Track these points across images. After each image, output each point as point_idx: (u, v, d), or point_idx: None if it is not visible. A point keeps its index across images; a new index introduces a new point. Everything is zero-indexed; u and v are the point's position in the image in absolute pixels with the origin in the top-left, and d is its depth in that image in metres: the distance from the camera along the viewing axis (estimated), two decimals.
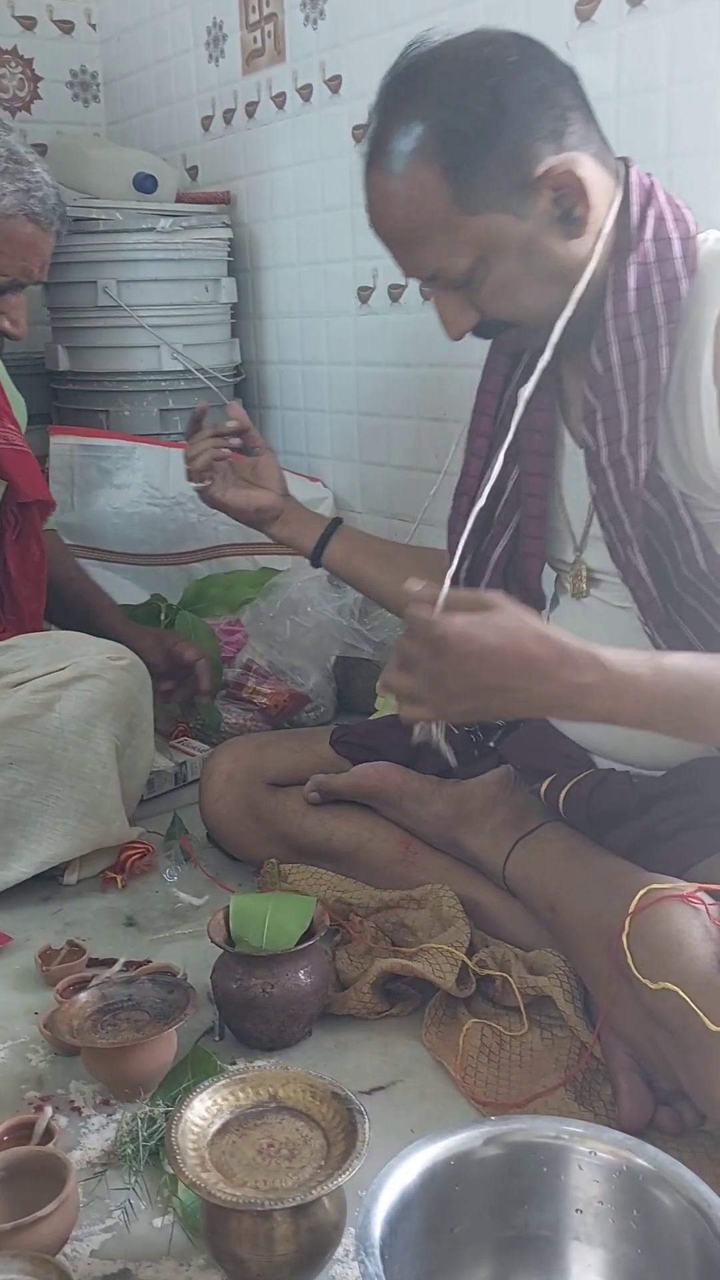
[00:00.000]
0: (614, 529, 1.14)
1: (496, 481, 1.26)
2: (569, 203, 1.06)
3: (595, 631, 1.14)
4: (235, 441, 1.49)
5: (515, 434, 1.15)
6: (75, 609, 1.83)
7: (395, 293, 2.13)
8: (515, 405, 1.12)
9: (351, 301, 2.24)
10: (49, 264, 1.57)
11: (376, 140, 1.10)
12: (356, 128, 2.15)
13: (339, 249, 2.26)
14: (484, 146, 1.03)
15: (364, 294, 2.21)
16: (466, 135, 1.03)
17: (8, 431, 1.68)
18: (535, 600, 1.30)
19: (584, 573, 1.26)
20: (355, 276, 2.22)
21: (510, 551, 1.31)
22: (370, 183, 1.11)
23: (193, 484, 1.50)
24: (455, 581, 1.03)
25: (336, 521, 1.53)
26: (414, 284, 2.08)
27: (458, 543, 1.20)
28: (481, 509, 1.19)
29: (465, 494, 1.34)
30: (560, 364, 1.23)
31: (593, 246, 1.09)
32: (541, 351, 1.10)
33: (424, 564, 1.47)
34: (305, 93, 2.28)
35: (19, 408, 1.79)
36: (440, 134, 1.04)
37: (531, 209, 1.06)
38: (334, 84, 2.20)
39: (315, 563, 1.52)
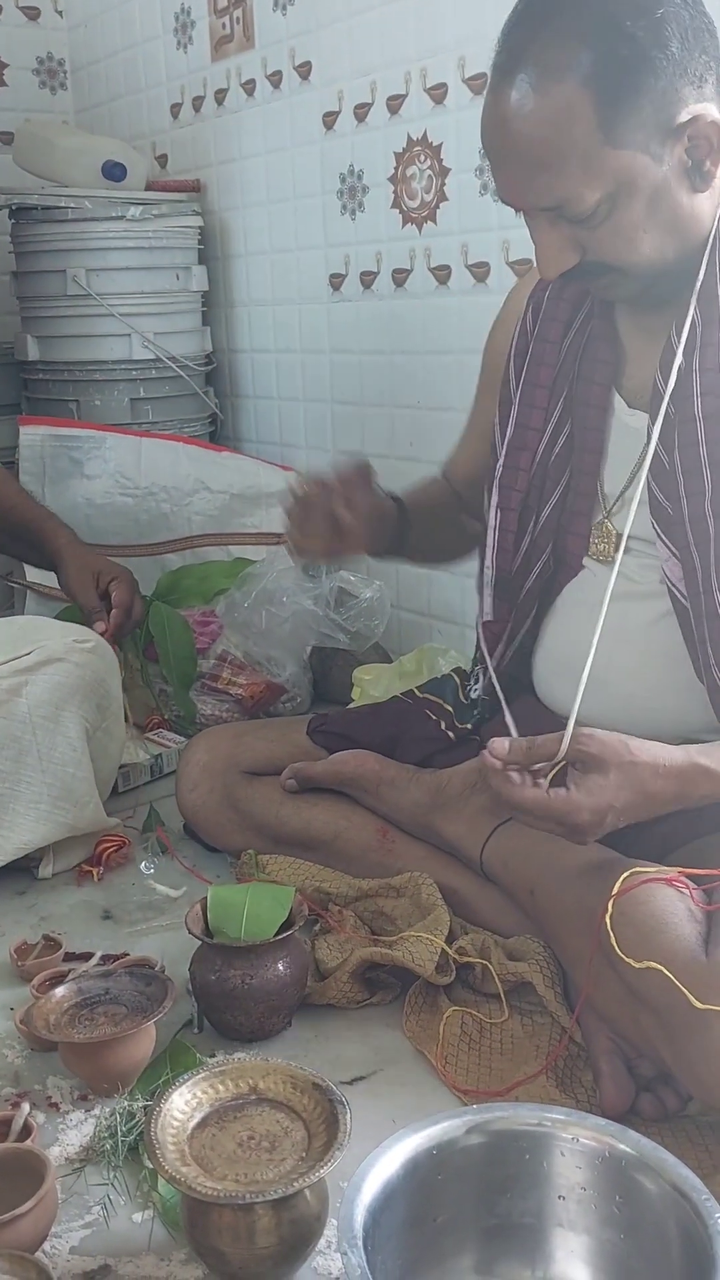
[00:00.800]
0: (670, 508, 1.13)
1: (552, 434, 1.25)
2: (700, 154, 1.03)
3: (619, 606, 1.12)
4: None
5: (575, 385, 1.14)
6: (23, 535, 1.80)
7: (367, 279, 2.12)
8: (579, 354, 1.11)
9: (324, 289, 2.23)
10: None
11: (520, 52, 1.01)
12: (327, 114, 2.14)
13: (311, 236, 2.24)
14: (641, 79, 0.98)
15: (336, 281, 2.20)
16: (628, 64, 0.98)
17: None
18: (573, 564, 1.28)
19: (613, 536, 1.23)
20: (328, 264, 2.21)
21: (559, 509, 1.28)
22: (502, 96, 1.02)
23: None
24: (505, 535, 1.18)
25: (397, 503, 1.42)
26: (386, 271, 2.07)
27: (515, 502, 1.19)
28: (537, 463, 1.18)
29: (525, 449, 1.28)
30: (615, 315, 1.21)
31: (715, 207, 1.06)
32: (614, 300, 1.10)
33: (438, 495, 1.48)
34: (275, 79, 2.26)
35: None
36: (603, 58, 0.97)
37: (668, 154, 1.02)
38: (304, 70, 2.18)
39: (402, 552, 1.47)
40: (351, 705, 1.90)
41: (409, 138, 1.98)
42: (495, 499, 1.31)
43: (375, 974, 1.24)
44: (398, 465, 2.13)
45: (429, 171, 1.95)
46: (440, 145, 1.92)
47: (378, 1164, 0.84)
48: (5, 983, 1.29)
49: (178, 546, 2.33)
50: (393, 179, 2.03)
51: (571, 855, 1.16)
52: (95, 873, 1.52)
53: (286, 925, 1.19)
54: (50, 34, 2.89)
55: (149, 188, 2.48)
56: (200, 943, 1.18)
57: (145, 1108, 1.04)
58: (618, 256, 1.07)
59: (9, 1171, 0.93)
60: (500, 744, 1.05)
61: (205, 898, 1.22)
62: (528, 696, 1.36)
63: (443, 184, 1.93)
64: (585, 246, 1.07)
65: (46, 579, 2.24)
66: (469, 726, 1.43)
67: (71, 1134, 1.05)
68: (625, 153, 1.01)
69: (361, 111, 2.06)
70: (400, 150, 2.00)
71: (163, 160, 2.66)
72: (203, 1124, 0.91)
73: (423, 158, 1.96)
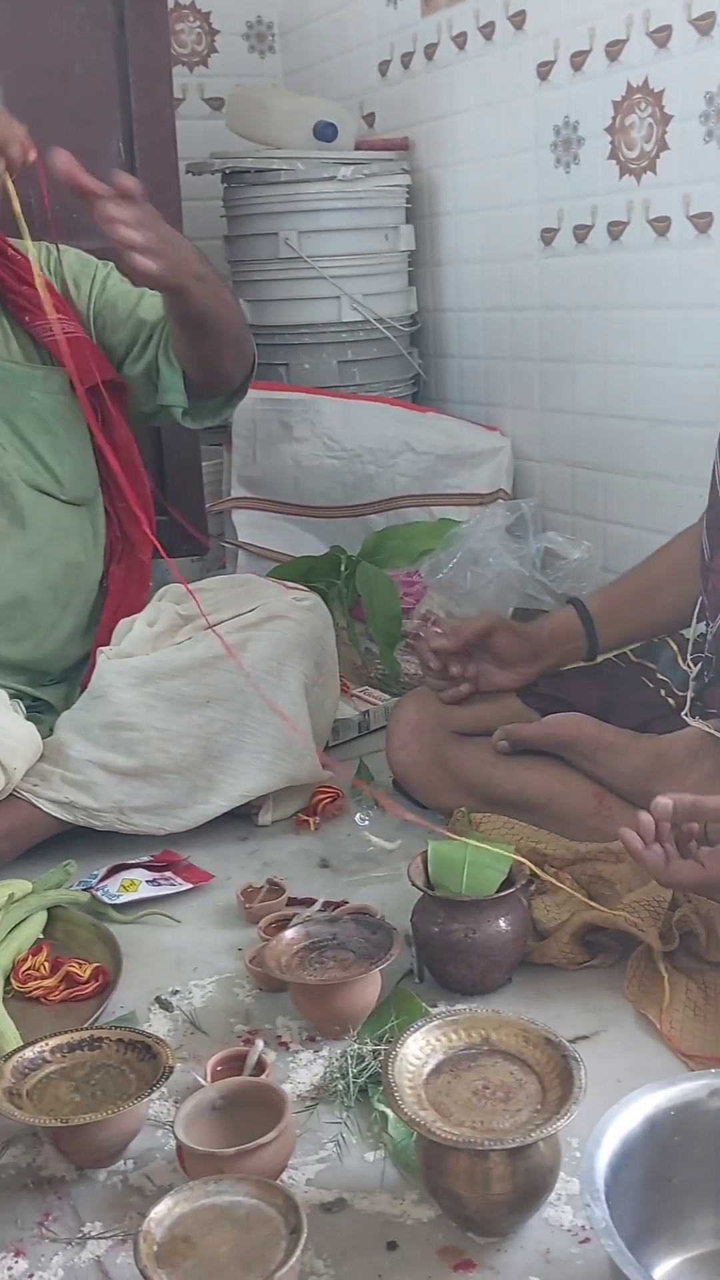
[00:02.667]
0: None
1: None
2: None
3: None
4: (471, 672, 1.50)
5: None
6: None
7: (581, 233, 2.08)
8: None
9: (535, 244, 2.20)
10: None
11: None
12: (542, 64, 2.10)
13: (522, 192, 2.21)
14: None
15: (548, 236, 2.16)
16: None
17: (54, 323, 1.58)
18: None
19: None
20: (540, 219, 2.17)
21: None
22: None
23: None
24: None
25: (578, 605, 1.52)
26: (601, 225, 2.02)
27: None
28: None
29: None
30: None
31: None
32: None
33: (674, 561, 1.46)
34: (487, 31, 2.23)
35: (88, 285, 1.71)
36: None
37: None
38: (518, 20, 2.14)
39: (594, 656, 1.53)
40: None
41: (628, 85, 1.92)
42: None
43: (596, 937, 1.23)
44: (610, 424, 2.10)
45: (649, 120, 1.89)
46: (662, 92, 1.85)
47: (617, 1120, 0.84)
48: (232, 924, 1.35)
49: (382, 508, 2.36)
50: (610, 129, 1.98)
51: None
52: (312, 822, 1.56)
53: (507, 883, 1.19)
54: None
55: (357, 147, 2.48)
56: (422, 894, 1.20)
57: (374, 1051, 1.06)
58: None
59: (249, 1104, 0.97)
60: (664, 804, 1.05)
61: (425, 851, 1.23)
62: None
63: (664, 132, 1.86)
64: None
65: (258, 538, 2.30)
66: (689, 694, 1.40)
67: (302, 1073, 1.09)
68: None
69: (578, 60, 2.01)
70: (619, 99, 1.94)
71: (370, 119, 2.66)
72: (436, 1070, 0.93)
73: (643, 105, 1.90)
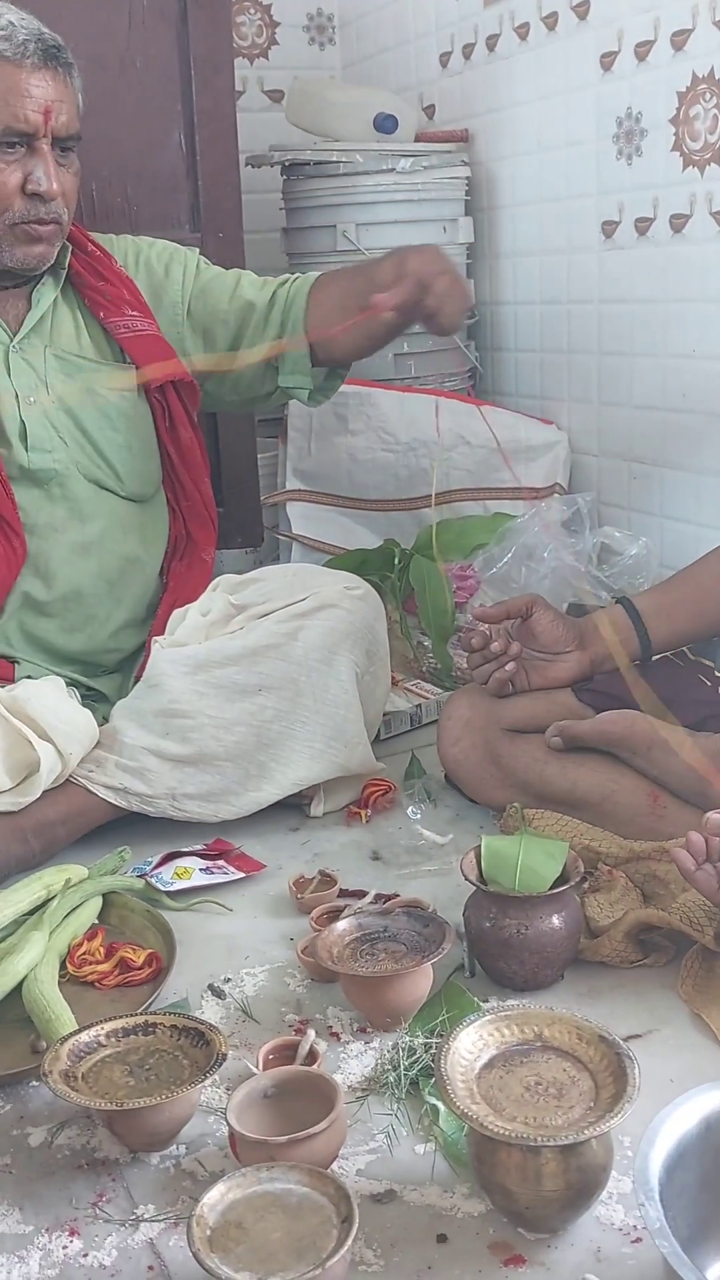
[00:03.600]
0: None
1: None
2: None
3: None
4: (515, 649, 1.49)
5: None
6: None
7: (642, 226, 2.06)
8: None
9: (595, 237, 2.18)
10: (64, 111, 1.49)
11: None
12: (605, 55, 2.08)
13: (582, 184, 2.19)
14: None
15: (609, 229, 2.14)
16: None
17: (130, 319, 1.66)
18: None
19: None
20: (600, 212, 2.16)
21: None
22: None
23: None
24: None
25: (626, 604, 1.52)
26: (664, 217, 2.00)
27: None
28: None
29: None
30: None
31: None
32: None
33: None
34: (550, 21, 2.21)
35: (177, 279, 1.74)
36: None
37: None
38: (581, 10, 2.12)
39: (648, 655, 1.51)
40: None
41: (694, 75, 1.90)
42: None
43: (649, 936, 1.23)
44: (668, 418, 2.08)
45: (715, 110, 1.87)
46: None
47: (671, 1119, 0.83)
48: (284, 914, 1.35)
49: (436, 501, 2.35)
50: (674, 120, 1.95)
51: None
52: (363, 814, 1.56)
53: (561, 880, 1.19)
54: None
55: (416, 140, 2.48)
56: (475, 889, 1.20)
57: (425, 1044, 1.06)
58: None
59: (301, 1093, 0.97)
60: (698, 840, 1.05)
61: (478, 846, 1.23)
62: None
63: None
64: None
65: (312, 531, 2.30)
66: None
67: (353, 1063, 1.09)
68: None
69: (643, 50, 1.99)
70: (684, 89, 1.92)
71: (430, 111, 2.65)
72: (489, 1065, 0.93)
73: (708, 96, 1.87)
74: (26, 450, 1.58)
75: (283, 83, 2.77)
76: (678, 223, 1.98)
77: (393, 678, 1.86)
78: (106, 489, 1.65)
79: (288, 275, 1.78)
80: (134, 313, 1.67)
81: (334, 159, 2.31)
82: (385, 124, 2.37)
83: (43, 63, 1.48)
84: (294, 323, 1.69)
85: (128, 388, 1.64)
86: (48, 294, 1.62)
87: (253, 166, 2.40)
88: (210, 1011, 1.18)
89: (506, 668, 1.49)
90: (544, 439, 2.34)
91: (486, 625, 1.51)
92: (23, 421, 1.58)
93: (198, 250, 1.79)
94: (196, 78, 2.09)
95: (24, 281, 1.61)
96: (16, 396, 1.58)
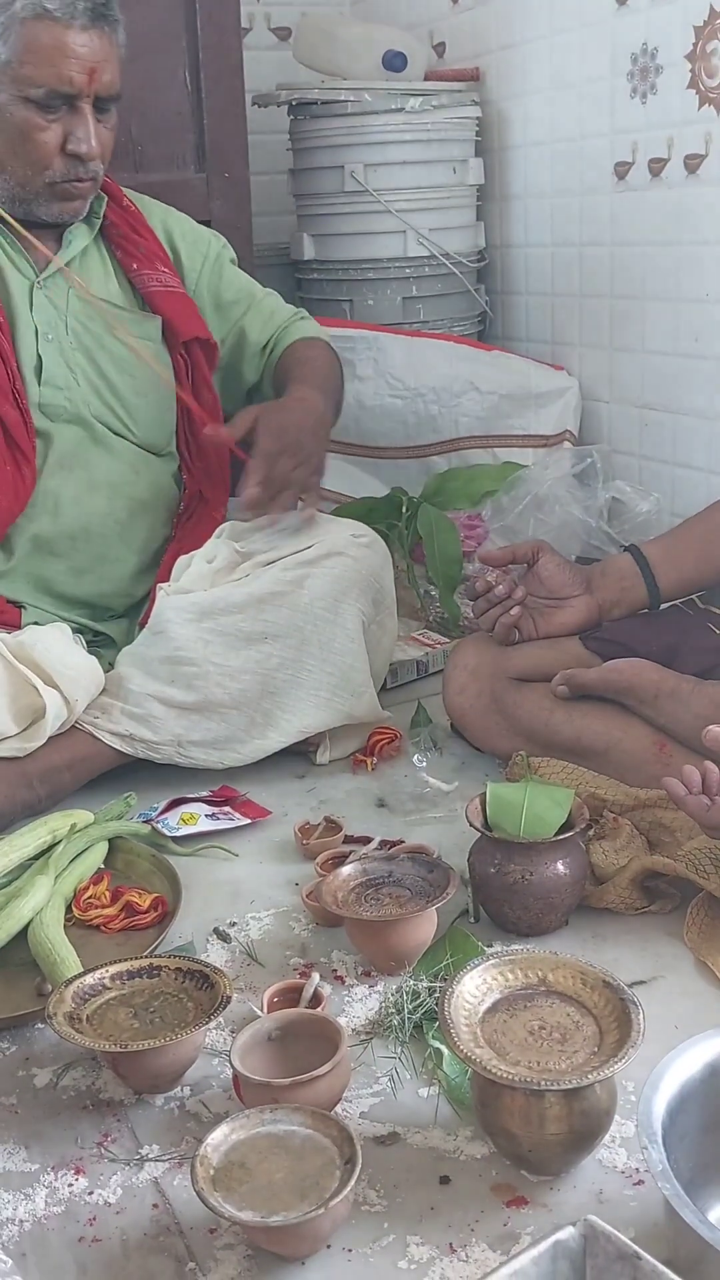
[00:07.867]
0: None
1: None
2: None
3: None
4: (520, 594, 1.48)
5: None
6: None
7: (656, 167, 2.01)
8: None
9: (608, 178, 2.13)
10: (108, 70, 1.47)
11: None
12: None
13: (595, 124, 2.14)
14: None
15: (622, 170, 2.10)
16: None
17: (161, 275, 1.68)
18: None
19: None
20: (613, 152, 2.11)
21: None
22: None
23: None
24: None
25: (634, 551, 1.50)
26: (678, 157, 1.96)
27: None
28: None
29: None
30: None
31: None
32: None
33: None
34: None
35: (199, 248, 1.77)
36: None
37: None
38: None
39: (657, 603, 1.50)
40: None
41: (711, 9, 1.85)
42: None
43: (654, 883, 1.22)
44: (681, 363, 2.04)
45: None
46: None
47: (676, 1065, 0.83)
48: (289, 859, 1.35)
49: (444, 449, 2.32)
50: (690, 56, 1.91)
51: None
52: (369, 762, 1.56)
53: (566, 826, 1.18)
54: None
55: (426, 78, 2.42)
56: (480, 835, 1.20)
57: (429, 988, 1.07)
58: None
59: (305, 1036, 0.97)
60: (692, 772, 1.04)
61: (484, 793, 1.23)
62: None
63: None
64: None
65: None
66: None
67: (357, 1007, 1.09)
68: None
69: None
70: (701, 24, 1.87)
71: (440, 49, 2.59)
72: (493, 1009, 0.93)
73: None
74: (40, 385, 1.58)
75: (290, 19, 2.71)
76: (692, 163, 1.94)
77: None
78: (118, 434, 1.65)
79: (292, 314, 1.84)
80: (164, 269, 1.70)
81: (342, 98, 2.26)
82: (394, 62, 2.31)
83: (91, 22, 1.45)
84: (269, 370, 1.79)
85: (150, 337, 1.66)
86: (80, 239, 1.63)
87: (259, 106, 2.35)
88: (215, 955, 1.18)
89: (512, 612, 1.48)
90: (554, 385, 2.31)
91: (492, 570, 1.50)
92: (40, 357, 1.58)
93: (225, 244, 1.82)
94: (201, 12, 2.04)
95: (56, 224, 1.61)
96: (36, 332, 1.58)
